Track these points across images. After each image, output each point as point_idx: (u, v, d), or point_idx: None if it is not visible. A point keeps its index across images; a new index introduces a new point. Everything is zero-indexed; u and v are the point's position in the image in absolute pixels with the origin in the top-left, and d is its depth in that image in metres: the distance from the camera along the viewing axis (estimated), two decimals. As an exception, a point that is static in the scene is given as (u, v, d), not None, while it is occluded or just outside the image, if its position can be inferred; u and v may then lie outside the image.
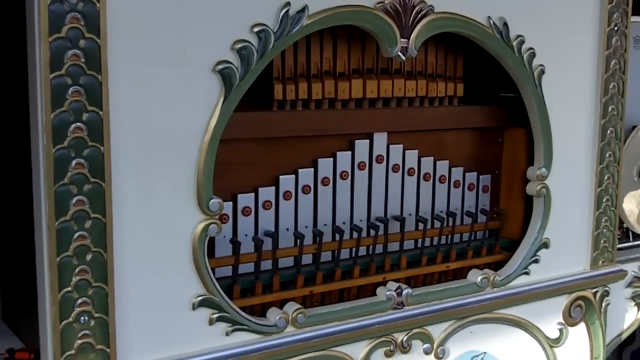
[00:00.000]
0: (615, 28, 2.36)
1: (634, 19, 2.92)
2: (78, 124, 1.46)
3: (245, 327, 1.74)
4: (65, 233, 1.48)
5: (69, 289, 1.49)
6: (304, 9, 1.72)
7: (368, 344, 1.97)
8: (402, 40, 1.90)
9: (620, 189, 2.70)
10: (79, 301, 1.51)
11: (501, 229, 2.34)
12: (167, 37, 1.57)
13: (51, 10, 1.41)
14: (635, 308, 2.86)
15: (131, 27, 1.52)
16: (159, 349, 1.64)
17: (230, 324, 1.72)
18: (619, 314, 2.78)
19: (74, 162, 1.47)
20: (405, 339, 2.04)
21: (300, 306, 1.84)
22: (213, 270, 1.78)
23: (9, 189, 1.78)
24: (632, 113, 2.82)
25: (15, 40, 1.56)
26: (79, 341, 1.52)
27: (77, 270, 1.50)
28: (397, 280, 2.07)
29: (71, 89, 1.45)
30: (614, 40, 2.36)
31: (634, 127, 2.73)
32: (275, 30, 1.69)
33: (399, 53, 1.91)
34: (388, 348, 2.01)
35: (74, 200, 1.48)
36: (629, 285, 2.81)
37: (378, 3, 1.85)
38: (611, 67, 2.37)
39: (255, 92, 1.82)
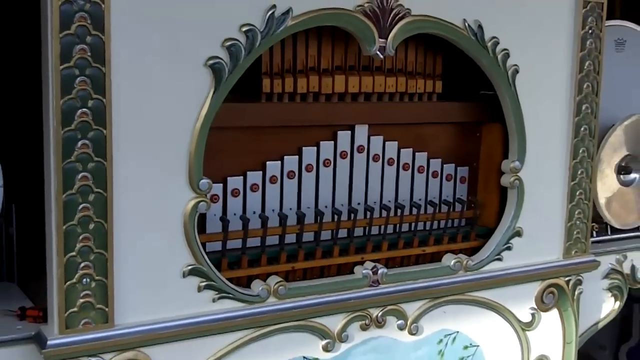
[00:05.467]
0: (590, 31, 2.52)
1: (616, 22, 3.10)
2: (84, 109, 1.67)
3: (230, 295, 1.95)
4: (71, 205, 1.69)
5: (73, 253, 1.71)
6: (288, 11, 1.92)
7: (345, 317, 2.16)
8: (380, 40, 2.09)
9: (597, 184, 2.88)
10: (82, 265, 1.72)
11: (476, 218, 2.51)
12: (164, 35, 1.77)
13: (62, 10, 1.62)
14: (612, 299, 3.01)
15: (132, 26, 1.72)
16: (152, 311, 1.84)
17: (217, 292, 1.93)
18: (596, 304, 2.94)
19: (80, 143, 1.68)
20: (380, 314, 2.23)
21: (281, 279, 2.04)
22: (204, 244, 1.99)
23: (24, 168, 2.00)
24: (616, 111, 2.99)
25: (31, 36, 1.77)
26: (81, 300, 1.73)
27: (80, 238, 1.71)
28: (375, 261, 2.25)
29: (78, 79, 1.66)
30: (588, 42, 2.52)
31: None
32: (261, 30, 1.89)
33: (377, 52, 2.10)
34: (364, 322, 2.20)
35: (79, 176, 1.69)
36: (606, 276, 2.97)
37: (358, 6, 2.04)
38: (585, 68, 2.53)
39: (247, 85, 2.03)
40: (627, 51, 3.10)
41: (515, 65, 2.36)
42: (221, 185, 2.06)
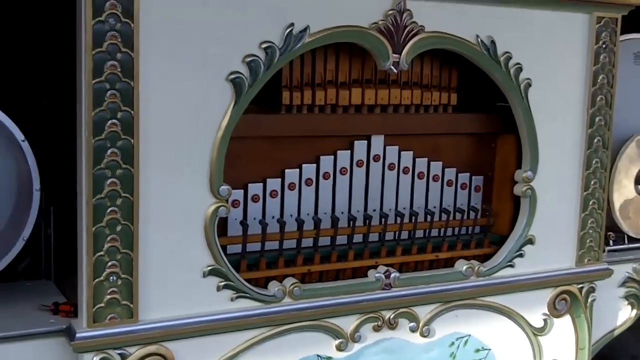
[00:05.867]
0: (604, 46, 2.59)
1: (635, 36, 3.15)
2: (114, 120, 1.82)
3: (247, 295, 2.07)
4: (100, 208, 1.84)
5: (102, 253, 1.85)
6: (305, 29, 2.04)
7: (358, 318, 2.27)
8: (394, 55, 2.20)
9: (615, 194, 2.94)
10: (109, 264, 1.86)
11: (490, 225, 2.60)
12: (189, 51, 1.91)
13: (95, 29, 1.77)
14: (629, 307, 3.05)
15: (159, 43, 1.86)
16: (174, 308, 1.98)
17: (235, 292, 2.05)
18: (612, 311, 2.99)
19: (109, 151, 1.83)
20: (392, 316, 2.33)
21: (296, 281, 2.16)
22: (225, 247, 2.12)
23: (61, 173, 2.15)
24: (636, 122, 3.04)
25: (67, 52, 1.92)
26: (108, 296, 1.88)
27: (108, 239, 1.85)
28: (389, 266, 2.35)
29: (109, 92, 1.80)
30: (602, 57, 2.59)
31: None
32: (280, 47, 2.01)
33: (391, 67, 2.21)
34: (376, 323, 2.31)
35: (108, 182, 1.84)
36: (622, 284, 3.02)
37: (373, 23, 2.15)
38: (599, 81, 2.60)
39: (270, 97, 2.15)
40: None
41: (528, 79, 2.44)
42: (242, 191, 2.18)
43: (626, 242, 3.06)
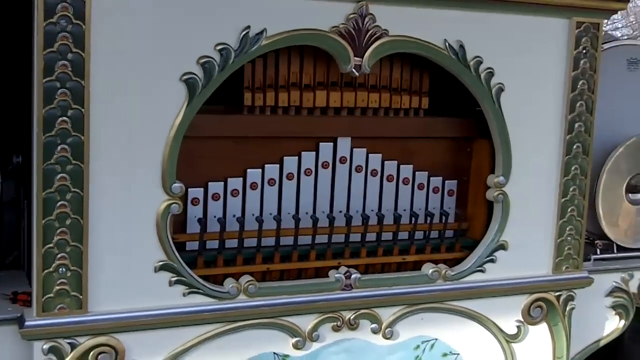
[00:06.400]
0: (584, 51, 2.55)
1: (629, 42, 3.10)
2: (64, 118, 1.89)
3: (200, 291, 2.12)
4: (50, 202, 1.91)
5: (51, 245, 1.93)
6: (262, 31, 2.08)
7: (316, 317, 2.30)
8: (355, 58, 2.21)
9: (602, 203, 2.89)
10: (59, 256, 1.94)
11: (463, 230, 2.59)
12: (143, 52, 1.97)
13: (46, 30, 1.84)
14: (617, 317, 3.00)
15: (112, 44, 1.92)
16: (125, 301, 2.04)
17: (187, 287, 2.10)
18: (599, 321, 2.95)
19: (59, 147, 1.90)
20: (352, 317, 2.35)
21: (252, 278, 2.20)
22: (184, 243, 2.18)
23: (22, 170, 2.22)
24: (629, 128, 2.99)
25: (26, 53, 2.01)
26: (57, 287, 1.95)
27: (58, 232, 1.93)
28: (353, 267, 2.37)
29: (59, 91, 1.88)
30: (582, 62, 2.55)
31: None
32: (235, 49, 2.05)
33: (353, 70, 2.22)
34: (335, 323, 2.33)
35: (58, 177, 1.91)
36: (610, 294, 2.97)
37: (333, 27, 2.17)
38: (579, 87, 2.56)
39: (237, 98, 2.20)
40: (644, 69, 3.09)
41: (500, 83, 2.42)
42: (202, 189, 2.23)
43: (615, 251, 3.01)
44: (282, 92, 2.28)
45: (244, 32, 2.05)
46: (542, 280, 2.64)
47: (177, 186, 2.04)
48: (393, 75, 2.44)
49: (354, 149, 2.42)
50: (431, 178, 2.56)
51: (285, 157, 2.33)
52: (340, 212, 2.43)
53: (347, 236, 2.40)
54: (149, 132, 2.00)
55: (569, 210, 2.63)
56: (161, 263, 2.06)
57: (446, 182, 2.60)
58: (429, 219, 2.52)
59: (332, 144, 2.39)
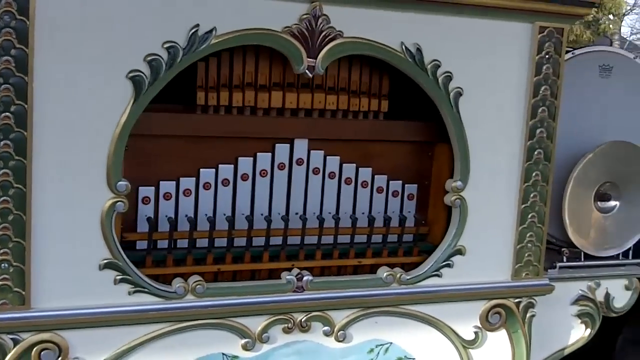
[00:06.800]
0: (547, 56, 2.54)
1: (602, 48, 3.08)
2: (6, 113, 1.89)
3: (146, 290, 2.11)
4: (-9, 197, 1.91)
5: (-8, 240, 1.93)
6: (212, 30, 2.07)
7: (266, 319, 2.29)
8: (309, 59, 2.21)
9: (569, 210, 2.87)
10: (1, 251, 1.93)
11: (422, 234, 2.58)
12: (88, 48, 1.96)
13: None
14: (583, 326, 2.98)
15: (56, 40, 1.92)
16: (70, 298, 2.04)
17: (133, 286, 2.10)
18: (564, 329, 2.93)
19: (2, 143, 1.90)
20: (304, 319, 2.34)
21: (200, 278, 2.19)
22: (134, 242, 2.17)
23: None
24: (600, 135, 2.98)
25: None
26: (-1, 282, 1.95)
27: (0, 227, 1.92)
28: (307, 269, 2.36)
29: (2, 86, 1.88)
30: (544, 67, 2.54)
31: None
32: (184, 47, 2.05)
33: (306, 71, 2.22)
34: (286, 325, 2.32)
35: (0, 172, 1.90)
36: (575, 302, 2.95)
37: (285, 27, 2.17)
38: (541, 92, 2.55)
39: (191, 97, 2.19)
40: (615, 76, 3.07)
41: (459, 88, 2.41)
42: (153, 188, 2.23)
43: (582, 259, 2.98)
44: (236, 92, 2.27)
45: (193, 31, 2.05)
46: (501, 287, 2.62)
47: (123, 184, 2.04)
48: (352, 77, 2.43)
49: (312, 151, 2.41)
50: (390, 182, 2.55)
51: (240, 158, 2.33)
52: (297, 214, 2.42)
53: (302, 238, 2.39)
54: (94, 129, 2.00)
55: (529, 216, 2.62)
56: (106, 261, 2.06)
57: (406, 186, 2.59)
58: (386, 222, 2.51)
59: (288, 145, 2.38)
